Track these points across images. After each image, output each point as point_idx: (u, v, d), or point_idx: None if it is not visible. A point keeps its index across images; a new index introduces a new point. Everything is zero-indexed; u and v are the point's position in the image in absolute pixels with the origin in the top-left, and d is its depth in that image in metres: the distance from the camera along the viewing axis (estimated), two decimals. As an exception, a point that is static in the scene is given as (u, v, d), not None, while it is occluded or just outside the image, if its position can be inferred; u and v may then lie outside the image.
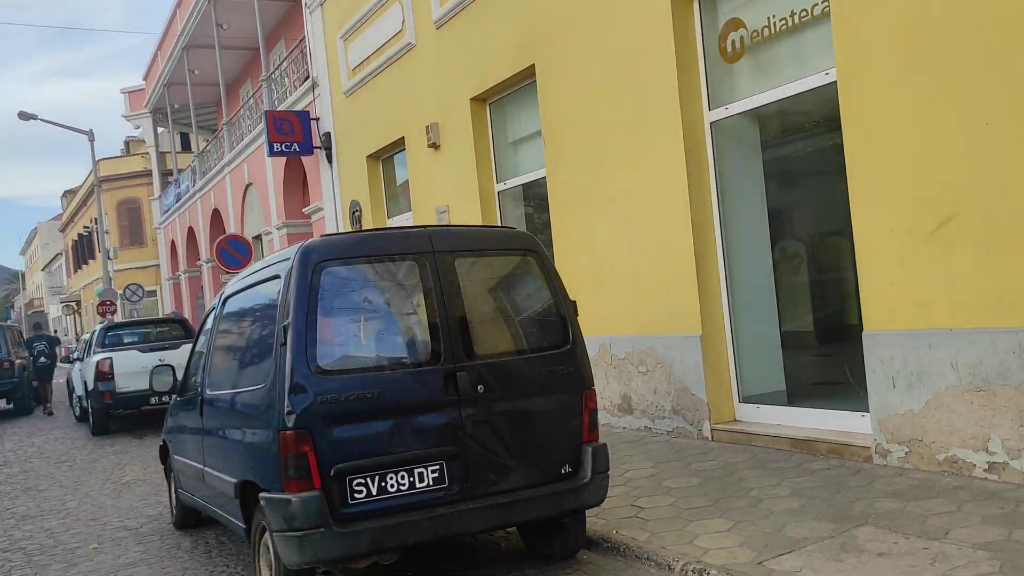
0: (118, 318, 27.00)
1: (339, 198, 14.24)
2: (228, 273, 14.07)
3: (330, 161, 14.43)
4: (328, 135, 14.38)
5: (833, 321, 8.91)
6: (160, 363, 11.72)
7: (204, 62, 22.83)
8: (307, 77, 15.20)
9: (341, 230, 14.07)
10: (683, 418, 7.26)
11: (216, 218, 22.86)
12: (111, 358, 12.51)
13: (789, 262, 8.36)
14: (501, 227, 4.93)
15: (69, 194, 54.78)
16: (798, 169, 7.82)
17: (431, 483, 4.08)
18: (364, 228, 13.29)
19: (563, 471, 4.45)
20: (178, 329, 14.17)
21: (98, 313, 28.57)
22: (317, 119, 14.71)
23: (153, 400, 12.47)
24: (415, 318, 4.28)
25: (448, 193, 10.80)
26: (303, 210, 16.15)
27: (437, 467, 4.09)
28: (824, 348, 9.13)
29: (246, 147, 19.03)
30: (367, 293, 4.22)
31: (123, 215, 41.50)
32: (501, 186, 10.12)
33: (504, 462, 4.26)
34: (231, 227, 21.14)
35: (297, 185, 16.65)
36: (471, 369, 4.21)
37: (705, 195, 7.11)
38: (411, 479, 4.04)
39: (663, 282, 7.38)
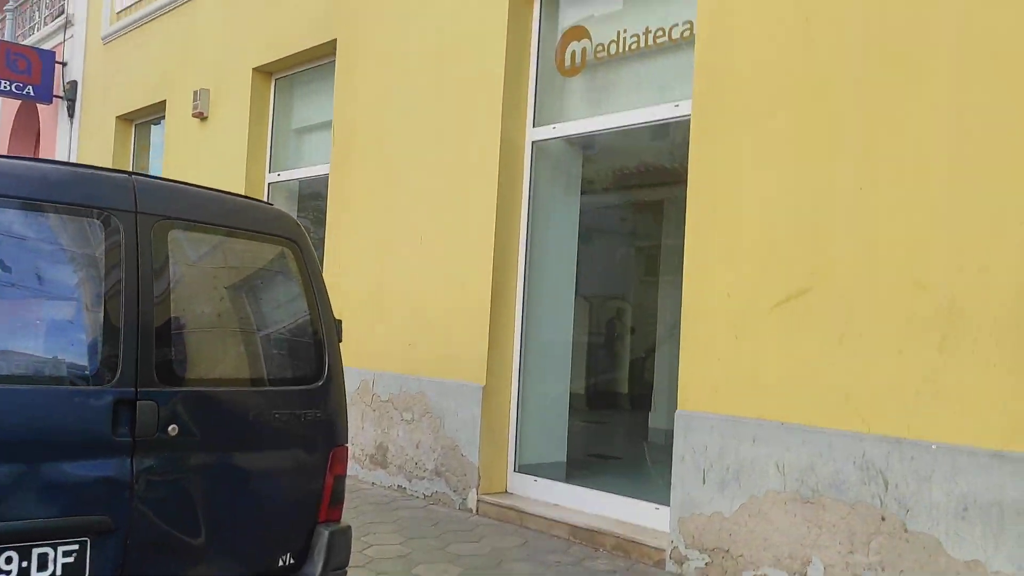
0: None
1: (76, 160, 11.89)
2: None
3: (71, 115, 12.07)
4: (74, 84, 12.05)
5: (637, 393, 8.17)
6: None
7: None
8: (61, 13, 12.77)
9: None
10: (446, 482, 6.04)
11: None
12: None
13: (594, 318, 7.53)
14: (252, 199, 3.49)
15: None
16: (623, 212, 7.01)
17: (59, 574, 2.54)
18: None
19: (282, 563, 3.05)
20: None
21: None
22: (64, 64, 12.33)
23: None
24: (85, 309, 2.73)
25: (209, 174, 9.03)
26: (28, 168, 13.48)
27: (75, 549, 2.56)
28: (621, 422, 8.38)
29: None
30: (7, 254, 2.63)
31: None
32: (274, 176, 8.57)
33: (191, 546, 2.79)
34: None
35: (28, 138, 13.94)
36: (163, 398, 2.73)
37: (514, 225, 6.05)
38: (25, 565, 2.48)
39: (450, 318, 6.19)
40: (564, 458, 6.29)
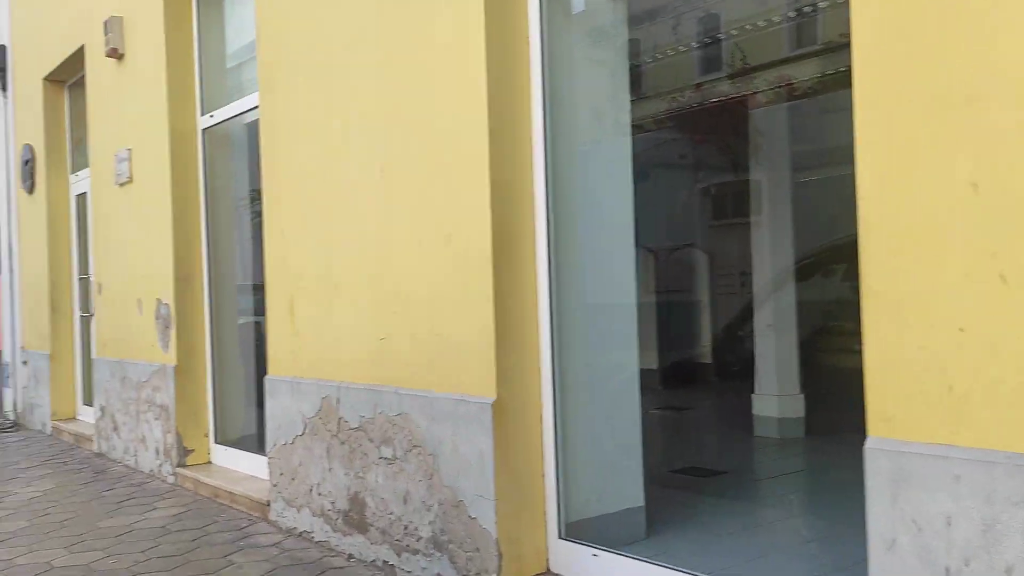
0: None
1: (13, 142, 9.82)
2: None
3: (3, 88, 9.97)
4: (2, 49, 9.93)
5: (729, 366, 5.80)
6: None
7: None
8: (-15, -33, 10.66)
9: (14, 188, 9.67)
10: (450, 560, 3.70)
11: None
12: None
13: (660, 275, 5.09)
14: None
15: None
16: (694, 125, 4.52)
17: None
18: (38, 185, 8.99)
19: None
20: None
21: None
22: (-8, 28, 10.23)
23: None
24: None
25: (133, 129, 6.81)
26: (-27, 159, 11.51)
27: None
28: (713, 407, 6.01)
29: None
30: None
31: None
32: (207, 120, 6.26)
33: None
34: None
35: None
36: None
37: (522, 135, 3.64)
38: None
39: (433, 294, 3.83)
40: (642, 500, 3.89)
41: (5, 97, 9.90)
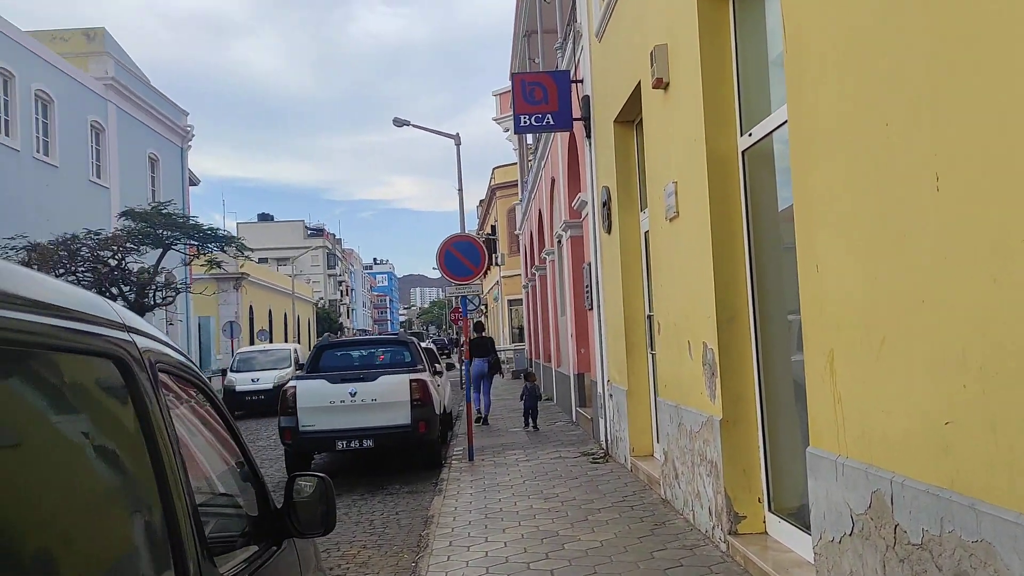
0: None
1: (595, 185, 10.36)
2: (459, 285, 11.01)
3: (588, 135, 10.61)
4: (587, 99, 10.58)
5: None
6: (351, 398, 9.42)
7: (547, 47, 20.27)
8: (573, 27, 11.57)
9: (598, 228, 10.20)
10: None
11: (541, 221, 20.24)
12: (296, 387, 10.10)
13: None
14: None
15: (481, 203, 57.68)
16: None
17: None
18: (614, 225, 9.26)
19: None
20: (401, 353, 11.42)
21: (452, 321, 28.07)
22: (580, 81, 11.00)
23: (341, 444, 9.86)
24: None
25: (678, 161, 6.39)
26: (571, 204, 12.54)
27: None
28: None
29: (549, 136, 15.95)
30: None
31: (512, 222, 41.79)
32: (746, 140, 5.49)
33: None
34: (547, 230, 18.33)
35: (577, 173, 13.08)
36: None
37: None
38: None
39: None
40: None
41: (590, 144, 10.53)
